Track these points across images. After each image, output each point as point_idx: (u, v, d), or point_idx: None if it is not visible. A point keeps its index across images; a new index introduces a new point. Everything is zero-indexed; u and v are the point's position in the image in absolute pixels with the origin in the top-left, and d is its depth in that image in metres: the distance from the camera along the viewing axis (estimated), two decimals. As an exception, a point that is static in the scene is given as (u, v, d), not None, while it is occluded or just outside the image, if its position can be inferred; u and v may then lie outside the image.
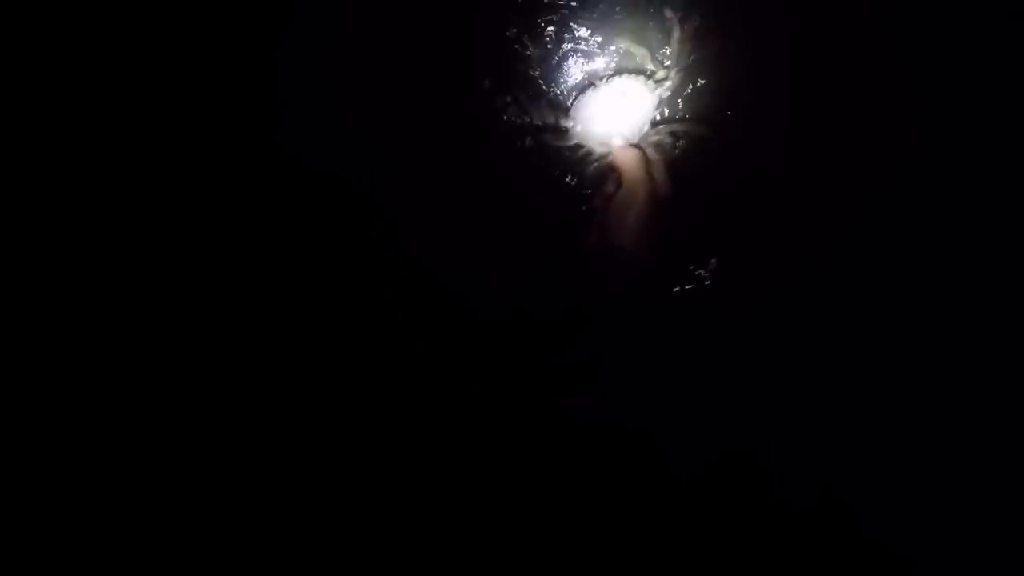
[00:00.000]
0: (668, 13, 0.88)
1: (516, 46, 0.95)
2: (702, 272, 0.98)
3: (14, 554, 0.86)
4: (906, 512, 0.91)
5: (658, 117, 0.91)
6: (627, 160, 0.88)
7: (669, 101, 0.90)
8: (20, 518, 0.88)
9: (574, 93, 0.91)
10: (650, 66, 0.91)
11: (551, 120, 0.91)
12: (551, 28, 0.94)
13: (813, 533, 0.91)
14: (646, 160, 0.88)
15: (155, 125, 1.00)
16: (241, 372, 0.97)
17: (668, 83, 0.89)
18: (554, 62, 0.94)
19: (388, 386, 0.99)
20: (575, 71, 0.94)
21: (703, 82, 0.91)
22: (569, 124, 0.91)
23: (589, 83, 0.90)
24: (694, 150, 0.93)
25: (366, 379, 0.99)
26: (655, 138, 0.91)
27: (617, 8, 0.92)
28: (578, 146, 0.93)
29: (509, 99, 0.93)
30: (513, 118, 0.93)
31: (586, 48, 0.93)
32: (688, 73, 0.89)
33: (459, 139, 0.99)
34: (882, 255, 0.98)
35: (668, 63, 0.89)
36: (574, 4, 0.92)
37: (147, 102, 0.99)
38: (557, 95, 0.93)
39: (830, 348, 0.98)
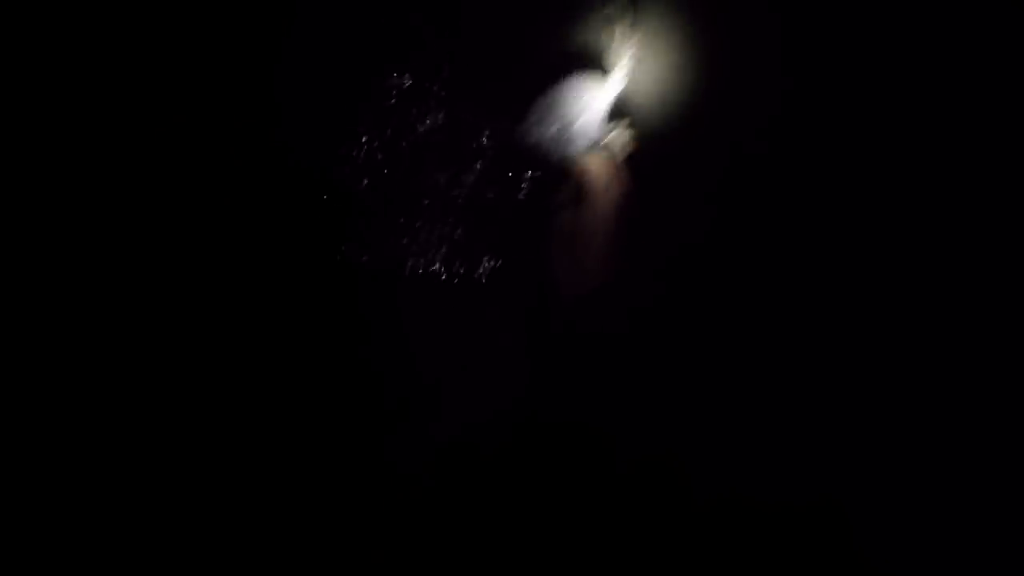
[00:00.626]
0: (611, 11, 0.91)
1: (471, 55, 0.98)
2: (668, 267, 0.99)
3: (14, 554, 0.88)
4: (898, 511, 0.91)
5: (612, 114, 0.94)
6: (588, 163, 0.91)
7: (622, 97, 0.93)
8: (20, 518, 0.90)
9: (531, 98, 0.93)
10: (601, 65, 0.94)
11: (510, 126, 0.94)
12: (504, 35, 0.97)
13: (806, 532, 0.92)
14: (607, 160, 0.91)
15: (154, 124, 1.02)
16: (238, 368, 1.00)
17: (619, 80, 0.92)
18: (509, 69, 0.97)
19: (377, 389, 1.01)
20: (530, 77, 0.96)
21: (652, 76, 0.94)
22: (529, 129, 0.93)
23: (545, 87, 0.92)
24: (650, 143, 0.95)
25: (358, 380, 1.01)
26: (611, 135, 0.94)
27: (566, 13, 0.95)
28: (539, 151, 0.95)
29: (468, 108, 0.96)
30: (472, 125, 0.95)
31: (539, 53, 0.96)
32: (636, 68, 0.92)
33: (416, 146, 1.01)
34: (863, 245, 0.98)
35: (617, 60, 0.92)
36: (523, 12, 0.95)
37: (147, 102, 1.01)
38: (515, 101, 0.95)
39: (819, 347, 0.98)
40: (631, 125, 0.94)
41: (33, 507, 0.90)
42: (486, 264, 1.02)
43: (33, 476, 0.91)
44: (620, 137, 0.94)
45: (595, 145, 0.92)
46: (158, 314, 0.98)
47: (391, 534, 0.90)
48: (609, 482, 0.88)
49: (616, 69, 0.92)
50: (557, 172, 0.96)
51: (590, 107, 0.91)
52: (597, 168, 0.90)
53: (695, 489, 0.91)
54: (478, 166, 1.00)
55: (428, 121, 1.00)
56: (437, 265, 1.03)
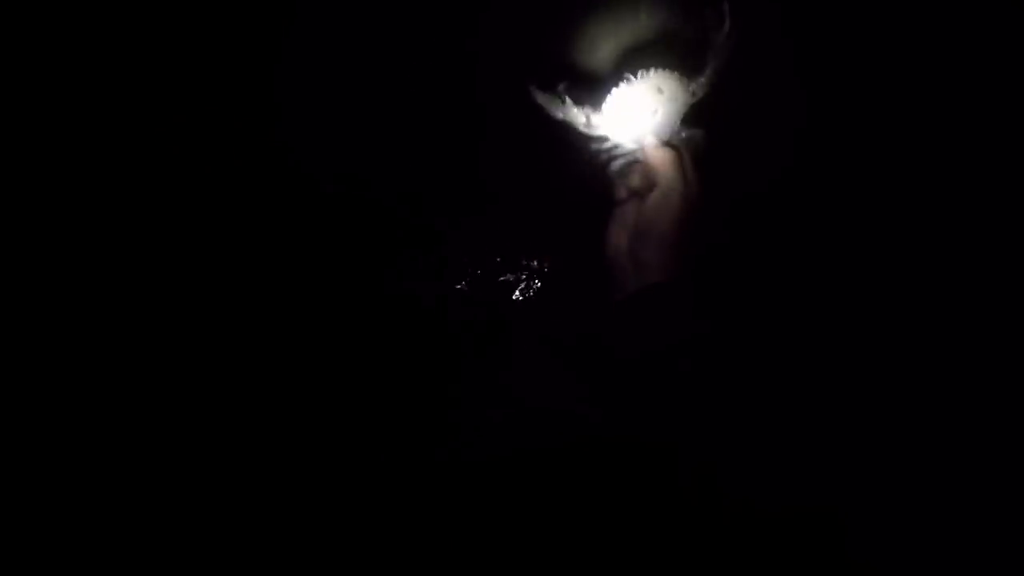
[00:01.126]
0: (711, 13, 0.86)
1: (544, 35, 0.94)
2: (732, 275, 0.97)
3: (14, 554, 0.85)
4: (896, 518, 0.88)
5: (692, 115, 0.89)
6: (658, 158, 0.86)
7: (705, 99, 0.88)
8: (20, 518, 0.87)
9: (606, 86, 0.87)
10: (686, 62, 0.88)
11: (581, 114, 0.88)
12: (583, 20, 0.93)
13: (794, 540, 0.91)
14: (678, 158, 0.86)
15: (154, 124, 0.99)
16: (240, 373, 0.97)
17: (704, 80, 0.87)
18: (585, 54, 0.93)
19: (389, 388, 0.99)
20: (607, 63, 0.93)
21: (741, 81, 0.89)
22: (599, 118, 0.88)
23: (622, 76, 0.86)
24: (728, 150, 0.92)
25: (362, 379, 0.99)
26: (687, 135, 0.89)
27: (658, 3, 0.92)
28: (608, 141, 0.90)
29: (537, 90, 0.89)
30: (540, 110, 0.89)
31: (619, 40, 0.92)
32: (726, 71, 0.87)
33: (484, 131, 0.99)
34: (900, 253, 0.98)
35: (706, 61, 0.87)
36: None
37: (147, 102, 0.98)
38: (588, 88, 0.90)
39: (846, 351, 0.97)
40: (707, 127, 0.89)
41: (33, 507, 0.87)
42: (542, 259, 1.00)
43: (33, 476, 0.88)
44: (695, 137, 0.89)
45: (670, 144, 0.87)
46: (156, 316, 0.95)
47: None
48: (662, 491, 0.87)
49: (705, 70, 0.86)
50: (627, 167, 0.91)
51: (670, 102, 0.85)
52: (669, 167, 0.84)
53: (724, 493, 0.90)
54: (547, 156, 0.95)
55: (498, 109, 0.95)
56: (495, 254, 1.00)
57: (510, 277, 1.03)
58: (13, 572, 0.86)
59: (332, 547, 0.88)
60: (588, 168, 0.93)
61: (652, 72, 0.85)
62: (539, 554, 0.83)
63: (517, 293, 1.03)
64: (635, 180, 0.89)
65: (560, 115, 0.88)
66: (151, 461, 0.91)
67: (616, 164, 0.91)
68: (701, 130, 0.89)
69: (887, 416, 0.92)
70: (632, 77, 0.85)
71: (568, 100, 0.87)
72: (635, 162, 0.89)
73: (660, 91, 0.84)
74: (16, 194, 0.93)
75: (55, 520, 0.87)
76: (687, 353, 0.85)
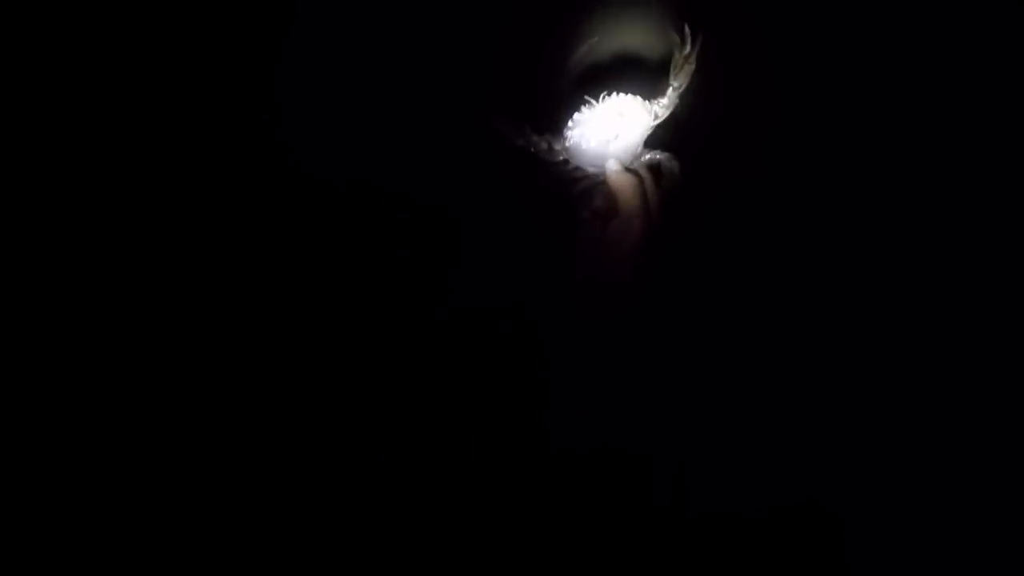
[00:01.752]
0: (672, 34, 0.84)
1: (508, 61, 0.93)
2: (699, 294, 0.96)
3: (14, 554, 0.88)
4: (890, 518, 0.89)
5: (654, 137, 0.88)
6: (620, 183, 0.86)
7: (666, 122, 0.87)
8: (20, 518, 0.89)
9: (567, 112, 0.87)
10: (648, 85, 0.87)
11: (542, 141, 0.88)
12: (546, 43, 0.92)
13: (791, 540, 0.90)
14: (640, 183, 0.86)
15: (154, 124, 1.00)
16: (242, 373, 0.98)
17: (666, 102, 0.85)
18: (545, 80, 0.92)
19: (381, 392, 0.99)
20: (568, 89, 0.92)
21: (702, 104, 0.88)
22: (561, 144, 0.87)
23: (582, 101, 0.85)
24: (690, 172, 0.90)
25: (361, 383, 1.00)
26: (649, 158, 0.88)
27: (616, 25, 0.90)
28: (569, 165, 0.89)
29: (499, 115, 0.89)
30: (503, 134, 0.89)
31: (580, 64, 0.92)
32: (687, 94, 0.86)
33: (446, 153, 0.98)
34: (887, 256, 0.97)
35: (668, 83, 0.86)
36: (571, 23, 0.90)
37: (147, 102, 0.99)
38: (549, 112, 0.89)
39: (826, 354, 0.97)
40: (671, 151, 0.89)
41: (33, 507, 0.90)
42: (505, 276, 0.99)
43: (33, 476, 0.91)
44: (659, 159, 0.88)
45: (631, 168, 0.87)
46: (156, 318, 0.98)
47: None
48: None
49: (668, 91, 0.86)
50: (589, 191, 0.91)
51: (632, 126, 0.84)
52: (629, 189, 0.85)
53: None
54: (509, 179, 0.95)
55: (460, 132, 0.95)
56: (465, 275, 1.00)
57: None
58: (13, 572, 0.89)
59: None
60: (551, 191, 0.93)
61: (613, 96, 0.84)
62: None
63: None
64: (598, 206, 0.89)
65: (521, 143, 0.87)
66: (178, 460, 0.94)
67: (578, 190, 0.90)
68: (666, 152, 0.88)
69: (863, 418, 0.93)
70: (592, 101, 0.84)
71: (528, 128, 0.86)
72: (598, 188, 0.89)
73: (621, 115, 0.83)
74: (16, 194, 0.96)
75: (55, 520, 0.90)
76: (655, 372, 0.87)
